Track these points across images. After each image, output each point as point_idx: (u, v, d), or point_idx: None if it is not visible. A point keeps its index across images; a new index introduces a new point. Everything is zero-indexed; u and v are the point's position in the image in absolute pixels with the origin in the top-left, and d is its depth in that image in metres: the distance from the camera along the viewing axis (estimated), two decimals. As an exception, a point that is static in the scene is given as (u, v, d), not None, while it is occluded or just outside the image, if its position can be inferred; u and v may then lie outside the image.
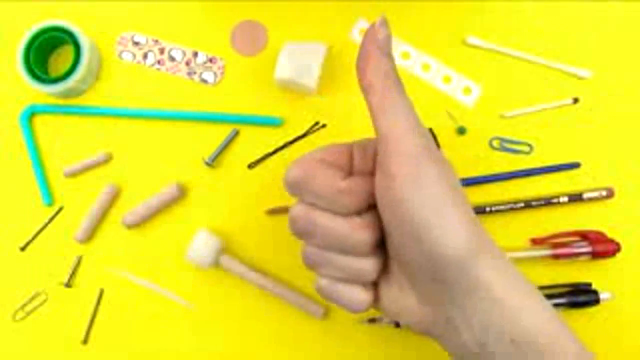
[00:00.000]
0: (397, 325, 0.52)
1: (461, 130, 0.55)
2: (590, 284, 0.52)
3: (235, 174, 0.56)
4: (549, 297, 0.52)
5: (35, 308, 0.56)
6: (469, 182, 0.55)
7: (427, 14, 0.57)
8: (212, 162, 0.56)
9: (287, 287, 0.53)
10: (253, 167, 0.56)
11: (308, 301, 0.53)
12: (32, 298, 0.56)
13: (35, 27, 0.56)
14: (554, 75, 0.56)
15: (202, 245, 0.52)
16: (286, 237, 0.55)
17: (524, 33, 0.57)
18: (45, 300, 0.56)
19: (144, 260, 0.56)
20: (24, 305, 0.56)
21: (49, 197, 0.56)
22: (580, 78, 0.56)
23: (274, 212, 0.55)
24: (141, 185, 0.57)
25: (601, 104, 0.56)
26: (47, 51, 0.57)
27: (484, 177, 0.55)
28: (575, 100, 0.56)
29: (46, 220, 0.56)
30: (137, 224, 0.55)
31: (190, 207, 0.56)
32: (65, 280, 0.56)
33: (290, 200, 0.56)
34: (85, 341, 0.55)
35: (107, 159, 0.57)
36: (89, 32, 0.59)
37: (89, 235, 0.56)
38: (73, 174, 0.57)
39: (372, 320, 0.53)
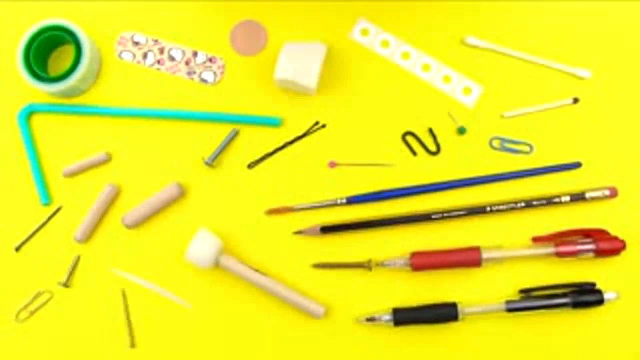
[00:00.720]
0: (396, 324, 0.52)
1: (461, 130, 0.55)
2: (594, 284, 0.52)
3: (235, 174, 0.56)
4: (553, 297, 0.51)
5: (37, 309, 0.56)
6: (469, 183, 0.55)
7: (427, 14, 0.57)
8: (212, 162, 0.56)
9: (287, 287, 0.53)
10: (253, 167, 0.56)
11: (308, 301, 0.53)
12: (34, 298, 0.56)
13: (36, 27, 0.56)
14: (554, 75, 0.56)
15: (202, 245, 0.52)
16: (286, 237, 0.55)
17: (524, 33, 0.57)
18: (47, 301, 0.56)
19: (144, 260, 0.56)
20: (27, 305, 0.56)
21: (46, 197, 0.56)
22: (580, 78, 0.56)
23: (273, 212, 0.55)
24: (141, 185, 0.57)
25: (601, 104, 0.56)
26: (48, 51, 0.58)
27: (484, 177, 0.55)
28: (576, 101, 0.56)
29: (44, 221, 0.56)
30: (137, 224, 0.55)
31: (190, 207, 0.56)
32: (64, 280, 0.55)
33: (289, 200, 0.56)
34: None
35: (107, 159, 0.57)
36: (89, 32, 0.59)
37: (89, 235, 0.56)
38: (72, 174, 0.57)
39: (371, 320, 0.53)
